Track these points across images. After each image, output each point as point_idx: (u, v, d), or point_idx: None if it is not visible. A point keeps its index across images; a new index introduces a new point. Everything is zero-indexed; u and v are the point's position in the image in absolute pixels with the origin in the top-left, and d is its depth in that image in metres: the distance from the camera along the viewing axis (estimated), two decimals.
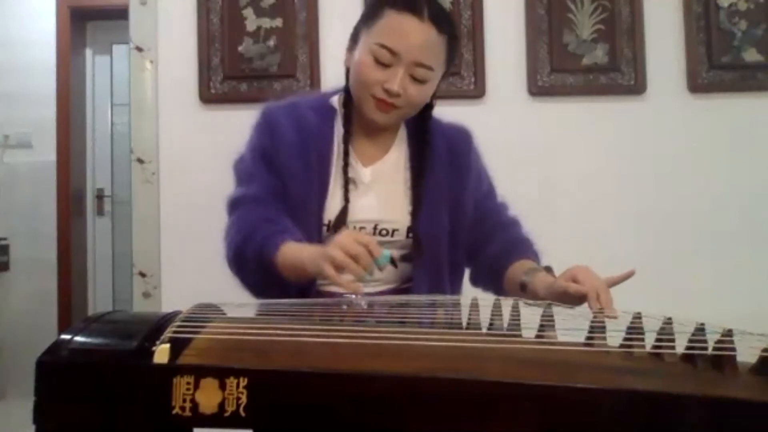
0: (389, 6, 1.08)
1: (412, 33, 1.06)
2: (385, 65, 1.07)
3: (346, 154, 1.14)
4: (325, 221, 1.13)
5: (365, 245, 0.92)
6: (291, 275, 1.02)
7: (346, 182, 1.13)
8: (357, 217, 1.13)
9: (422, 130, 1.20)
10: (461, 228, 1.21)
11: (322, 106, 1.20)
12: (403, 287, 1.19)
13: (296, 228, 1.08)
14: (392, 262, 0.95)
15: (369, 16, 1.11)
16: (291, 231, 1.06)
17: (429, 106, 1.19)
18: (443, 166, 1.20)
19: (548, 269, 1.11)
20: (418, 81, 1.09)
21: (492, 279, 1.21)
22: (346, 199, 1.12)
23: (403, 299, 1.01)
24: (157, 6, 2.06)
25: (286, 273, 1.02)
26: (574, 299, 0.96)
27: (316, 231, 1.12)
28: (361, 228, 1.13)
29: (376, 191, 1.16)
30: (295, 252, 1.01)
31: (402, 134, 1.22)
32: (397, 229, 1.15)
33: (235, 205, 1.14)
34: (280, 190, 1.12)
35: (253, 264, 1.05)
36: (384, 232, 1.14)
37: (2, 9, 3.35)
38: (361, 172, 1.16)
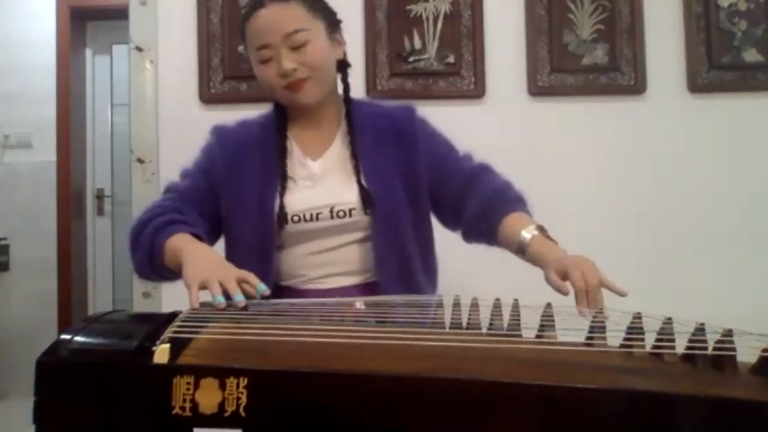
0: (245, 19, 1.18)
1: (265, 20, 1.14)
2: (270, 59, 1.15)
3: (282, 154, 1.20)
4: (291, 215, 1.17)
5: (244, 279, 0.95)
6: (170, 263, 1.06)
7: (284, 183, 1.18)
8: (312, 204, 1.16)
9: (345, 88, 1.25)
10: (420, 195, 1.21)
11: (268, 120, 1.26)
12: (370, 281, 1.20)
13: (203, 224, 1.15)
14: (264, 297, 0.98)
15: (242, 37, 1.21)
16: (194, 225, 1.12)
17: (345, 65, 1.25)
18: (389, 141, 1.22)
19: (541, 228, 1.10)
20: (301, 46, 1.14)
21: (484, 234, 1.20)
22: (281, 195, 1.17)
23: (403, 299, 1.01)
24: (157, 6, 2.06)
25: (167, 258, 1.06)
26: None
27: (259, 228, 1.16)
28: (318, 214, 1.16)
29: (328, 179, 1.20)
30: (182, 243, 1.05)
31: (344, 124, 1.25)
32: (353, 208, 1.17)
33: (165, 192, 1.24)
34: (206, 193, 1.20)
35: (146, 241, 1.10)
36: (341, 213, 1.17)
37: (2, 9, 3.34)
38: (311, 165, 1.21)
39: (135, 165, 2.06)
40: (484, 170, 1.25)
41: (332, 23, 1.21)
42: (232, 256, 1.18)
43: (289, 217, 1.16)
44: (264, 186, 1.18)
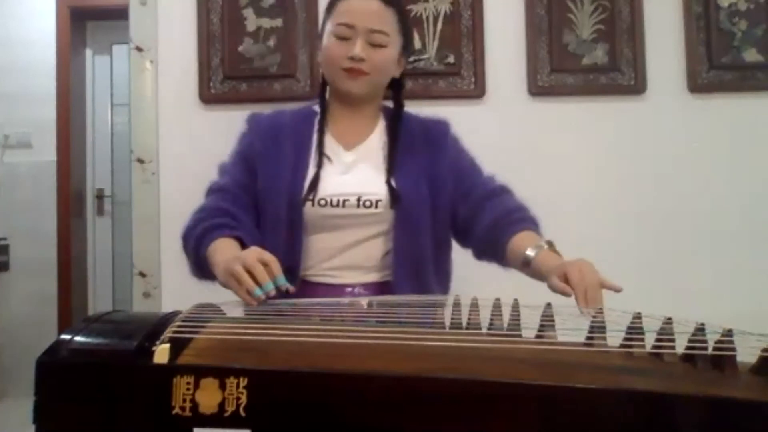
0: None
1: (361, 6, 1.22)
2: (345, 39, 1.20)
3: (320, 134, 1.25)
4: (318, 198, 1.19)
5: (266, 263, 0.97)
6: (213, 270, 1.08)
7: (320, 158, 1.22)
8: (340, 190, 1.19)
9: (396, 105, 1.32)
10: (441, 199, 1.24)
11: (303, 110, 1.33)
12: (385, 280, 1.22)
13: (248, 219, 1.19)
14: (285, 291, 1.00)
15: (328, 10, 1.27)
16: (236, 226, 1.15)
17: (400, 85, 1.32)
18: (420, 146, 1.27)
19: (550, 244, 1.12)
20: (377, 46, 1.21)
21: (493, 250, 1.22)
22: (318, 166, 1.21)
23: (403, 299, 1.01)
24: (157, 6, 2.06)
25: (210, 267, 1.09)
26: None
27: (290, 207, 1.19)
28: (345, 200, 1.19)
29: (359, 169, 1.24)
30: (217, 253, 1.08)
31: (381, 124, 1.30)
32: (380, 200, 1.20)
33: (207, 194, 1.26)
34: (249, 185, 1.23)
35: (191, 251, 1.16)
36: (368, 203, 1.20)
37: (2, 9, 3.34)
38: (343, 154, 1.25)
39: (135, 165, 2.06)
40: (503, 190, 1.29)
41: (407, 46, 1.30)
42: (263, 239, 1.20)
43: (316, 200, 1.18)
44: (297, 168, 1.22)
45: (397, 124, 1.28)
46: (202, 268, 1.14)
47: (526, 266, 1.10)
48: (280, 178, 1.21)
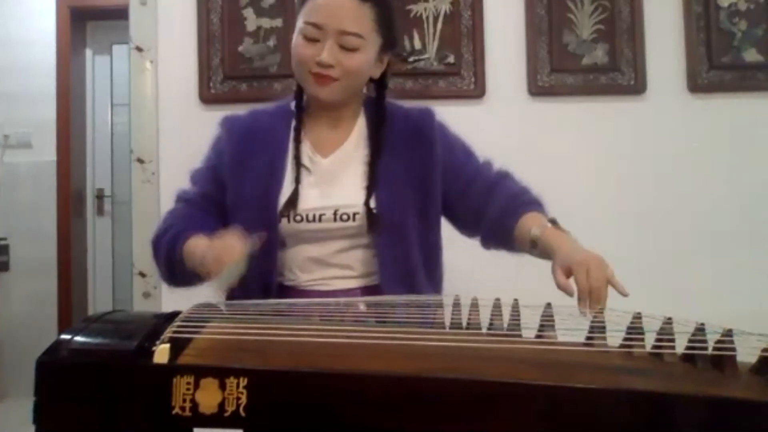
0: None
1: (332, 5, 1.11)
2: (314, 41, 1.11)
3: (297, 143, 1.18)
4: (293, 214, 1.15)
5: (234, 248, 0.99)
6: (191, 264, 1.07)
7: (298, 170, 1.16)
8: (315, 204, 1.14)
9: (378, 111, 1.22)
10: (432, 203, 1.20)
11: (280, 109, 1.26)
12: (373, 284, 1.18)
13: (216, 224, 1.15)
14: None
15: (300, 4, 1.17)
16: (206, 226, 1.12)
17: (383, 86, 1.22)
18: (405, 145, 1.20)
19: (553, 221, 1.10)
20: (350, 50, 1.12)
21: (502, 238, 1.19)
22: (297, 181, 1.15)
23: (403, 299, 1.01)
24: (157, 6, 2.06)
25: (188, 262, 1.07)
26: None
27: (265, 221, 1.13)
28: (322, 215, 1.14)
29: (335, 179, 1.17)
30: (194, 242, 1.07)
31: (361, 122, 1.23)
32: (357, 212, 1.14)
33: (176, 201, 1.25)
34: (216, 198, 1.20)
35: (163, 254, 1.14)
36: (345, 216, 1.14)
37: (2, 9, 3.34)
38: (319, 162, 1.18)
39: (135, 165, 2.06)
40: (505, 177, 1.25)
41: (388, 44, 1.18)
42: None
43: (291, 217, 1.14)
44: (270, 180, 1.16)
45: (379, 130, 1.19)
46: (173, 272, 1.12)
47: (534, 248, 1.08)
48: (251, 193, 1.16)
